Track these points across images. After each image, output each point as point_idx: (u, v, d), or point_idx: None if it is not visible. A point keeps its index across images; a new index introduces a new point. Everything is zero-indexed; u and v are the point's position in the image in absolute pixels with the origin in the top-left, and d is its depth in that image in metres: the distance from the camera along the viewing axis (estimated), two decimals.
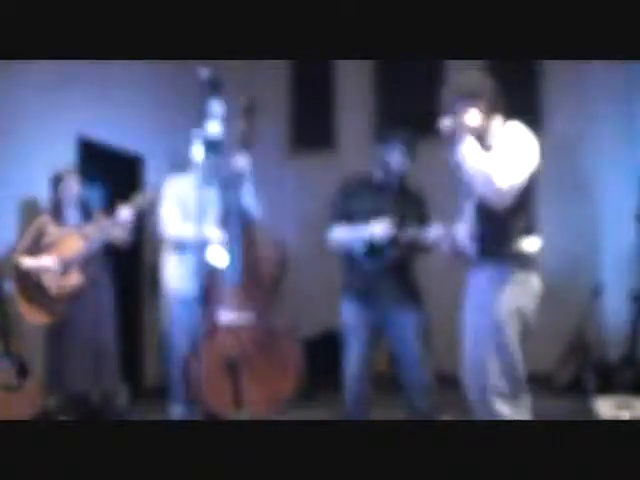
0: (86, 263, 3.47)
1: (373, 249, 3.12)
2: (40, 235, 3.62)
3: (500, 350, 2.43)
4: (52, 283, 3.46)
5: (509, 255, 2.47)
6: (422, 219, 3.17)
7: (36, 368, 3.61)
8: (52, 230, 3.62)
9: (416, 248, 3.14)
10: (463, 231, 2.64)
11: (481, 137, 2.46)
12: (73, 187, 3.68)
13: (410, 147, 3.19)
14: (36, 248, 3.57)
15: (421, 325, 3.19)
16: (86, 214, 3.71)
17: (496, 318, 2.43)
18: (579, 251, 5.21)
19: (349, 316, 3.24)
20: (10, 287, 3.72)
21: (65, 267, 3.45)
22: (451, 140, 2.48)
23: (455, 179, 2.56)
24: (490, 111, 2.48)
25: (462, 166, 2.44)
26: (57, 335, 3.59)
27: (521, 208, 2.44)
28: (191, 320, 3.11)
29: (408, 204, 3.24)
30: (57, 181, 3.70)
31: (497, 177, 2.29)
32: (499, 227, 2.46)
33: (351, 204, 3.23)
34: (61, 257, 3.47)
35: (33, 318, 3.52)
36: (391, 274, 3.17)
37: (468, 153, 2.40)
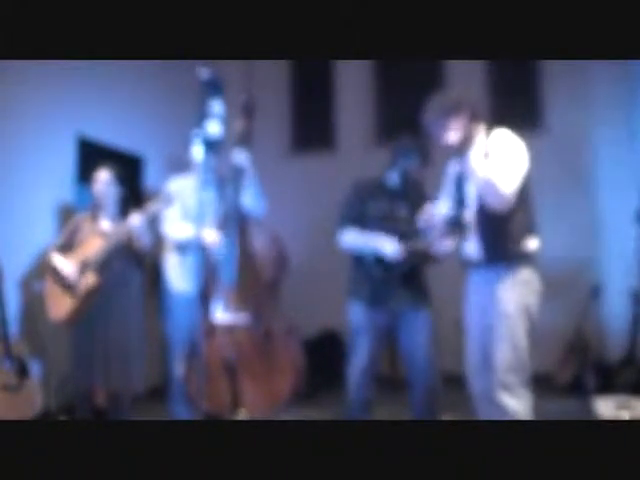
0: (105, 263, 3.45)
1: (384, 263, 3.14)
2: (75, 232, 3.65)
3: (510, 345, 2.47)
4: (72, 283, 3.47)
5: (514, 255, 2.52)
6: None
7: (39, 368, 3.62)
8: (86, 228, 3.63)
9: (427, 257, 3.15)
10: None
11: (468, 145, 2.57)
12: (104, 186, 3.65)
13: (425, 153, 3.20)
14: (69, 244, 3.61)
15: (431, 326, 3.20)
16: (122, 214, 3.66)
17: (505, 315, 2.48)
18: (579, 251, 5.21)
19: (358, 318, 3.24)
20: (40, 287, 3.76)
21: (83, 267, 3.45)
22: (457, 152, 2.59)
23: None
24: (474, 121, 2.58)
25: (470, 175, 2.53)
26: (81, 333, 3.56)
27: (521, 209, 2.50)
28: (191, 320, 3.11)
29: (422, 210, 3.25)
30: (93, 180, 3.69)
31: (499, 184, 2.40)
32: (503, 229, 2.51)
33: (366, 208, 3.24)
34: (82, 257, 3.48)
35: (55, 315, 3.51)
36: (401, 277, 3.18)
37: (475, 164, 2.49)
